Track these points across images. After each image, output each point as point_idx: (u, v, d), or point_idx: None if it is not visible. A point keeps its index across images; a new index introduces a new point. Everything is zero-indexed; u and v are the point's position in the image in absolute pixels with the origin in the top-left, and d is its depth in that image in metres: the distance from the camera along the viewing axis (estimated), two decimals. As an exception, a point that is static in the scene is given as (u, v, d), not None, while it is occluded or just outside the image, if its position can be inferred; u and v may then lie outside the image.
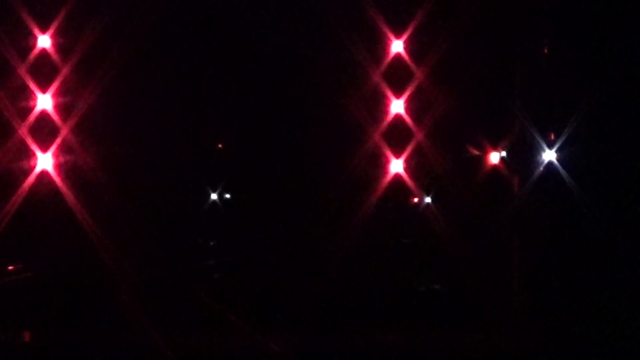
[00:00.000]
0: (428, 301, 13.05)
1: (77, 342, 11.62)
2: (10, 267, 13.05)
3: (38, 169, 12.52)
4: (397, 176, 13.00)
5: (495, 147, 13.32)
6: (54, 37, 12.61)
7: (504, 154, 13.33)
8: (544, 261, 12.78)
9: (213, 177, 13.76)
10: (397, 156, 13.01)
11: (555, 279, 12.60)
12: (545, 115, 13.02)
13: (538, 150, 13.01)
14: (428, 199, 13.30)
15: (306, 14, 12.99)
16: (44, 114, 12.56)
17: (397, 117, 12.96)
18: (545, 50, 13.14)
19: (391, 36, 12.97)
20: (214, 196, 13.74)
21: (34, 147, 12.51)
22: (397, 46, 12.96)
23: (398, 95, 12.98)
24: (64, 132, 12.59)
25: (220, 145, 13.84)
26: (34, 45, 12.57)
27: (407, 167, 13.04)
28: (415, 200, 13.44)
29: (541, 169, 13.00)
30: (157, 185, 13.14)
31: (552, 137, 12.97)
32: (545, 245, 12.83)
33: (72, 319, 12.11)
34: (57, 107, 12.60)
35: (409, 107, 12.95)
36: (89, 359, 11.36)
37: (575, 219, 12.64)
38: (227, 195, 13.80)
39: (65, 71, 12.57)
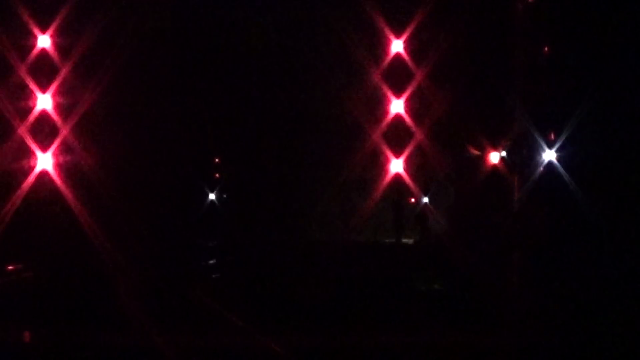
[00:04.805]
0: (428, 301, 13.06)
1: (77, 342, 11.61)
2: (10, 267, 13.05)
3: (38, 169, 12.53)
4: (397, 176, 13.00)
5: (496, 147, 13.32)
6: (54, 37, 12.62)
7: (504, 153, 13.34)
8: (544, 261, 12.78)
9: (212, 178, 13.76)
10: (397, 156, 13.01)
11: (555, 279, 12.61)
12: (546, 114, 13.03)
13: (538, 150, 13.02)
14: (426, 199, 13.31)
15: (306, 14, 13.01)
16: (44, 114, 12.57)
17: (397, 117, 12.97)
18: (546, 50, 13.16)
19: (391, 36, 12.99)
20: (212, 197, 13.74)
21: (34, 147, 12.53)
22: (397, 46, 12.98)
23: (398, 95, 12.98)
24: (64, 132, 12.60)
25: (219, 146, 13.84)
26: (34, 45, 12.59)
27: (407, 167, 13.05)
28: (414, 200, 13.46)
29: (541, 168, 13.01)
30: (157, 186, 13.15)
31: (553, 136, 12.98)
32: (545, 245, 12.84)
33: (72, 319, 12.09)
34: (57, 107, 12.60)
35: (409, 107, 12.97)
36: (89, 359, 11.35)
37: (575, 219, 12.65)
38: (227, 196, 13.80)
39: (65, 71, 12.59)
